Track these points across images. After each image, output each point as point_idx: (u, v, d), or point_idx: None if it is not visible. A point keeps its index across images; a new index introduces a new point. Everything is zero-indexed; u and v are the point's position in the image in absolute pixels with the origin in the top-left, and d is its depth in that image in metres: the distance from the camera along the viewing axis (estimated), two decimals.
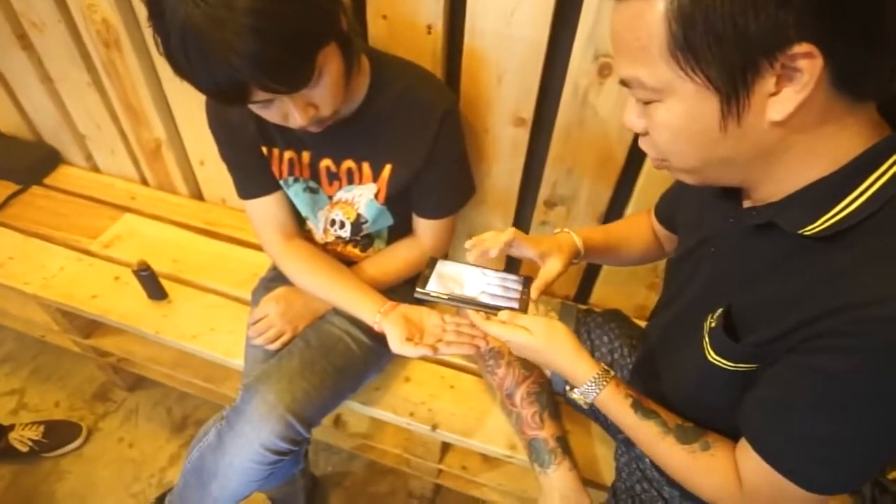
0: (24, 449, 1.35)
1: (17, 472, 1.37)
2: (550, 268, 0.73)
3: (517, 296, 0.71)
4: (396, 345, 0.81)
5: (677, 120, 0.47)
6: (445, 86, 0.93)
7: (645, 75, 0.46)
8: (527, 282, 0.73)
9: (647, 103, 0.49)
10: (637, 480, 0.81)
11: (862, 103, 0.45)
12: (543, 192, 1.09)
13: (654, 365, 0.75)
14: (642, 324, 1.00)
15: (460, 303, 0.71)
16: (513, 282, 0.74)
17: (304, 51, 0.63)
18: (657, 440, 0.63)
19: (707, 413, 0.64)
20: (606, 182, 1.02)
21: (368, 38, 0.97)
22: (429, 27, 0.92)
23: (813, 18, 0.39)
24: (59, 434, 1.40)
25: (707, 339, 0.58)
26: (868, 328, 0.43)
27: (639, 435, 0.65)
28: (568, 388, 0.70)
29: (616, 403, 0.65)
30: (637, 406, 0.64)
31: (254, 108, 0.71)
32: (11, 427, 1.37)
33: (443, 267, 0.77)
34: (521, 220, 1.18)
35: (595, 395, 0.65)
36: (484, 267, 0.76)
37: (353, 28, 0.74)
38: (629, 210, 1.05)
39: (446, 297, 0.72)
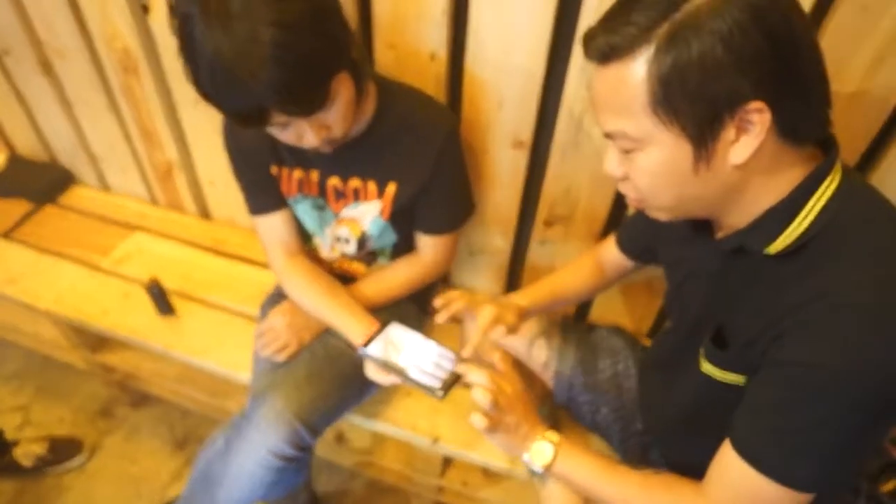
0: (29, 464, 1.36)
1: (20, 488, 1.37)
2: (484, 314, 0.79)
3: (444, 376, 0.77)
4: (370, 372, 0.86)
5: (656, 165, 0.55)
6: (447, 108, 0.98)
7: (629, 127, 0.54)
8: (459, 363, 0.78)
9: (627, 152, 0.56)
10: None
11: (803, 146, 0.54)
12: (542, 212, 1.13)
13: (655, 389, 0.81)
14: (644, 341, 1.04)
15: (390, 369, 0.79)
16: (448, 361, 0.79)
17: (319, 78, 0.69)
18: (611, 467, 0.69)
19: (702, 435, 0.67)
20: (603, 201, 1.07)
21: (375, 65, 1.03)
22: (432, 55, 0.98)
23: (761, 82, 0.48)
24: (62, 450, 1.41)
25: (702, 351, 0.65)
26: (823, 316, 0.50)
27: (595, 467, 0.69)
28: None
29: (578, 449, 0.71)
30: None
31: (271, 129, 0.76)
32: (16, 442, 1.38)
33: (392, 330, 0.85)
34: (521, 239, 1.22)
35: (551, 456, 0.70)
36: (432, 340, 0.82)
37: (363, 56, 0.79)
38: None
39: (381, 361, 0.79)
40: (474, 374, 0.69)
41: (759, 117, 0.49)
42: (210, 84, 0.66)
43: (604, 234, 1.13)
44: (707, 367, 0.64)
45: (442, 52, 0.97)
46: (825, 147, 0.57)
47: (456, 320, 0.90)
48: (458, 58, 0.98)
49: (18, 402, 1.57)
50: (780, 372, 0.54)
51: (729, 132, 0.50)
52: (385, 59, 1.01)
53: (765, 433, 0.55)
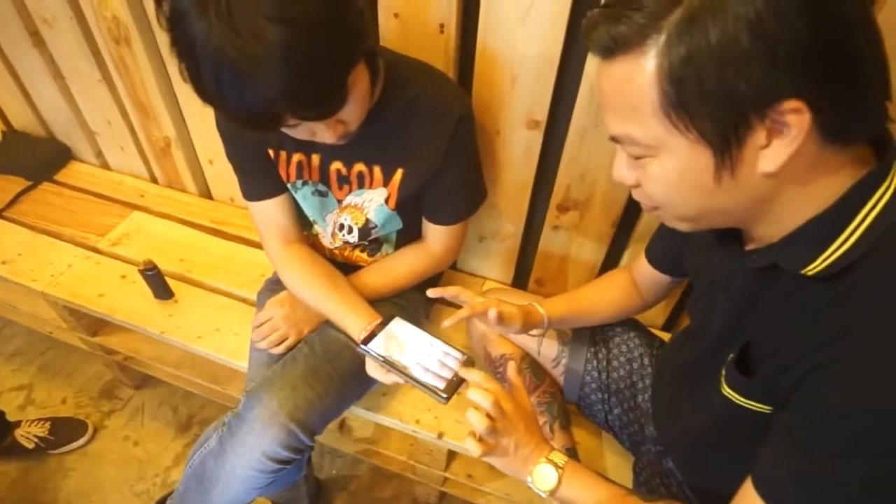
0: (30, 446, 1.35)
1: (23, 469, 1.37)
2: (479, 300, 0.75)
3: (449, 376, 0.72)
4: (371, 369, 0.81)
5: (671, 174, 0.48)
6: (461, 89, 0.91)
7: (637, 133, 0.46)
8: (465, 364, 0.74)
9: (638, 158, 0.49)
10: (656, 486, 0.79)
11: (850, 147, 0.45)
12: (556, 196, 1.06)
13: (672, 401, 0.75)
14: (660, 334, 0.98)
15: (392, 367, 0.74)
16: (453, 360, 0.74)
17: (336, 78, 0.63)
18: (622, 499, 0.63)
19: (721, 456, 0.62)
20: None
21: (380, 37, 0.95)
22: (441, 26, 0.90)
23: (799, 77, 0.40)
24: (65, 431, 1.40)
25: (724, 372, 0.58)
26: (868, 352, 0.42)
27: (604, 497, 0.64)
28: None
29: (585, 474, 0.65)
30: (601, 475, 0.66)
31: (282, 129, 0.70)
32: (18, 423, 1.37)
33: (395, 326, 0.80)
34: (533, 225, 1.15)
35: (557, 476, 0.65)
36: (436, 337, 0.77)
37: (375, 35, 0.72)
38: (644, 216, 1.02)
39: (382, 358, 0.74)
40: (473, 393, 0.64)
41: (796, 119, 0.40)
42: (214, 88, 0.58)
43: (622, 221, 1.06)
44: (727, 391, 0.57)
45: (451, 22, 0.88)
46: (879, 145, 0.47)
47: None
48: (470, 29, 0.89)
49: (20, 381, 1.56)
50: (811, 412, 0.46)
51: (758, 136, 0.42)
52: (389, 30, 0.93)
53: (791, 477, 0.48)
